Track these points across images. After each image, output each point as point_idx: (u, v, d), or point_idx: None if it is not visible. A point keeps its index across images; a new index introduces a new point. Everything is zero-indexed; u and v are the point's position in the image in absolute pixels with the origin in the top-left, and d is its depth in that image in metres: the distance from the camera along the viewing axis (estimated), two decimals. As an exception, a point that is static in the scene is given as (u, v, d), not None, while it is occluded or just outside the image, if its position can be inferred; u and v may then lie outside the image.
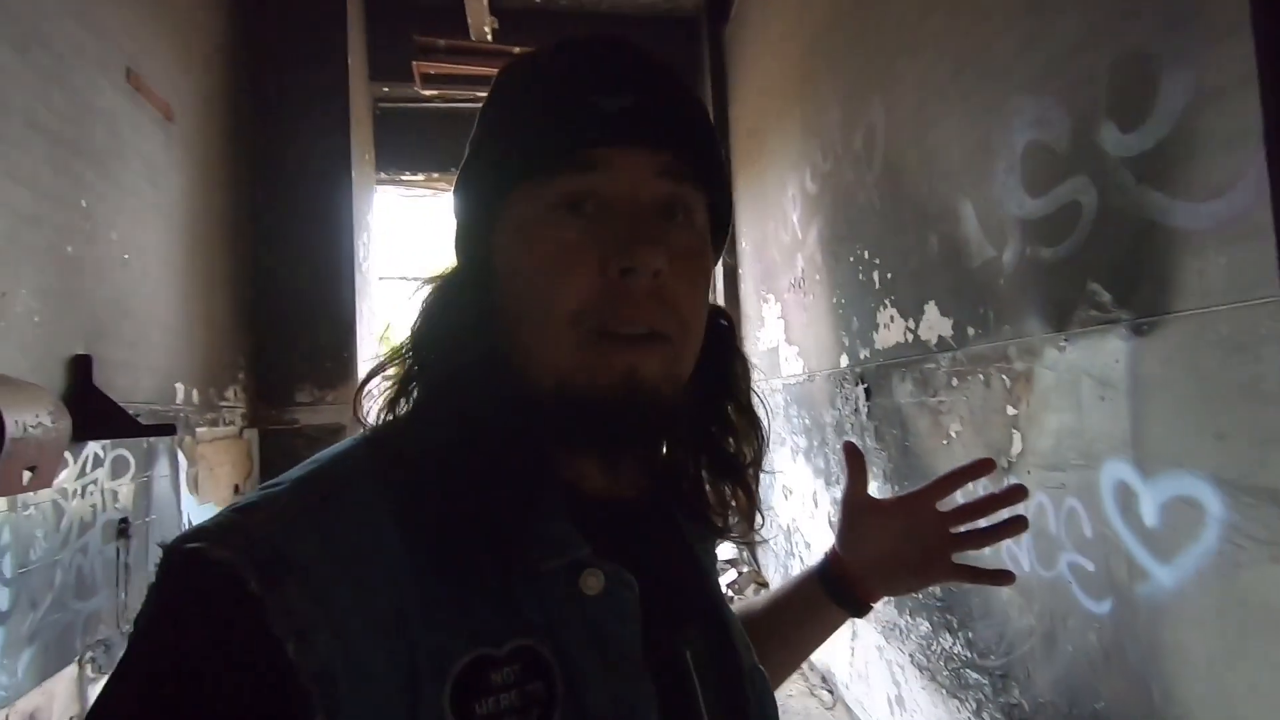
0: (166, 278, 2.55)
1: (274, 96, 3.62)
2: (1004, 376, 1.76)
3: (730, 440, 0.59)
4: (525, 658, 0.41)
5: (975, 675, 1.98)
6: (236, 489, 3.15)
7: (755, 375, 0.62)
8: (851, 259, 2.75)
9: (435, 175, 5.36)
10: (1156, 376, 1.29)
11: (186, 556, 0.37)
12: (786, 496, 3.89)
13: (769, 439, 0.61)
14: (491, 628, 0.41)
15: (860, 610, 0.72)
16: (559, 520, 0.46)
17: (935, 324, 2.11)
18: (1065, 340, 1.53)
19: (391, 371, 0.50)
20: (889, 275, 2.43)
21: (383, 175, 5.23)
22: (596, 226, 0.46)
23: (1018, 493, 0.72)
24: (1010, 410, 1.74)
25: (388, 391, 0.49)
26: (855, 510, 0.72)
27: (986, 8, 1.77)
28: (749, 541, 0.61)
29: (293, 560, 0.37)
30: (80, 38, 2.02)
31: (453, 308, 0.49)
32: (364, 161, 4.55)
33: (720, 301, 5.01)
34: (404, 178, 5.34)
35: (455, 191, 0.53)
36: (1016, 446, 1.73)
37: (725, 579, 4.53)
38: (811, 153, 3.18)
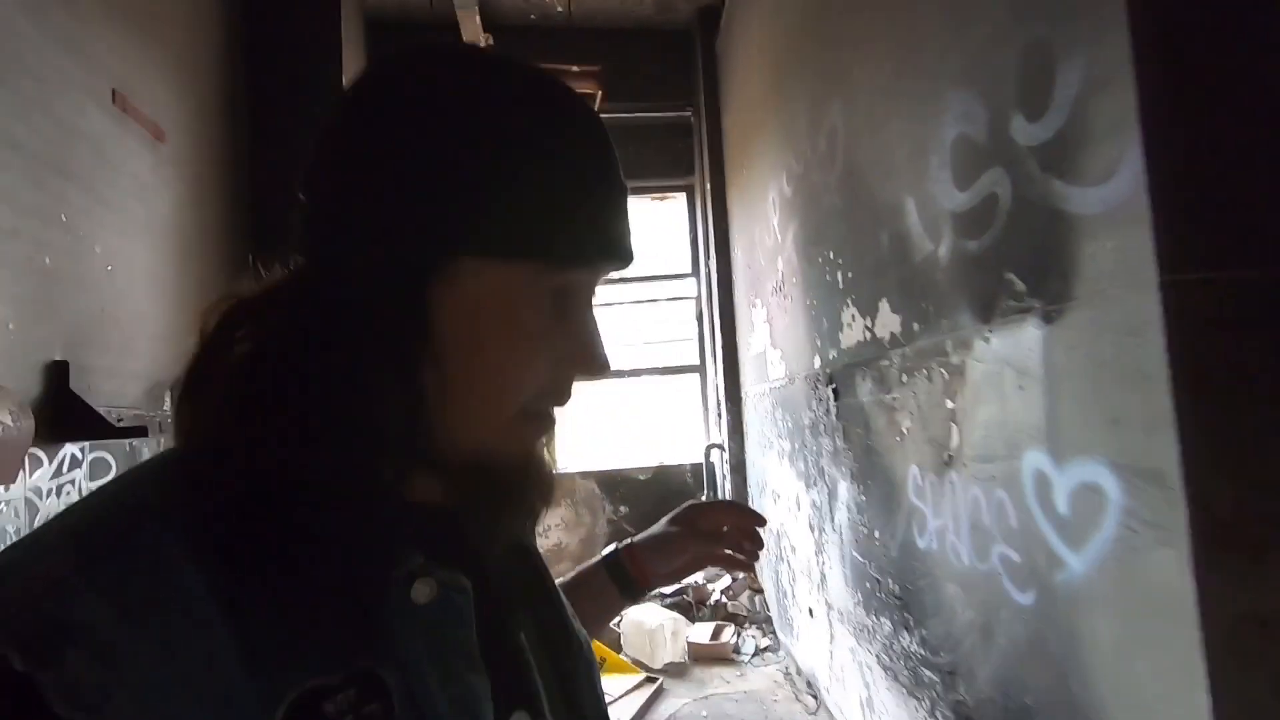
0: (155, 290, 2.67)
1: (267, 114, 3.75)
2: (943, 371, 1.77)
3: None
4: (360, 680, 0.39)
5: (929, 673, 1.96)
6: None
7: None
8: (820, 260, 2.77)
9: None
10: (1064, 364, 1.30)
11: None
12: (775, 500, 3.89)
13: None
14: (322, 655, 0.38)
15: (635, 592, 0.80)
16: (394, 535, 0.43)
17: (887, 321, 2.12)
18: (990, 331, 1.53)
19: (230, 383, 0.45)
20: (850, 275, 2.45)
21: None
22: (572, 326, 0.48)
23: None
24: (949, 404, 1.75)
25: (220, 402, 0.43)
26: (685, 521, 0.83)
27: (921, 9, 1.80)
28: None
29: (71, 623, 0.32)
30: (64, 64, 2.15)
31: (349, 342, 0.43)
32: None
33: (712, 308, 5.05)
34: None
35: (368, 184, 0.44)
36: (955, 440, 1.73)
37: (719, 585, 4.52)
38: (786, 157, 3.21)
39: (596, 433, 5.40)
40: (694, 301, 5.61)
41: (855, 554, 2.56)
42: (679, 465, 5.36)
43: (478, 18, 4.47)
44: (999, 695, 1.59)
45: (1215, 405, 1.02)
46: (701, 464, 5.18)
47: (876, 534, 2.33)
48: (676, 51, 5.26)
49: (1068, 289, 1.26)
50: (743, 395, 4.71)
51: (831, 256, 2.63)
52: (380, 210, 0.43)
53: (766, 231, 3.69)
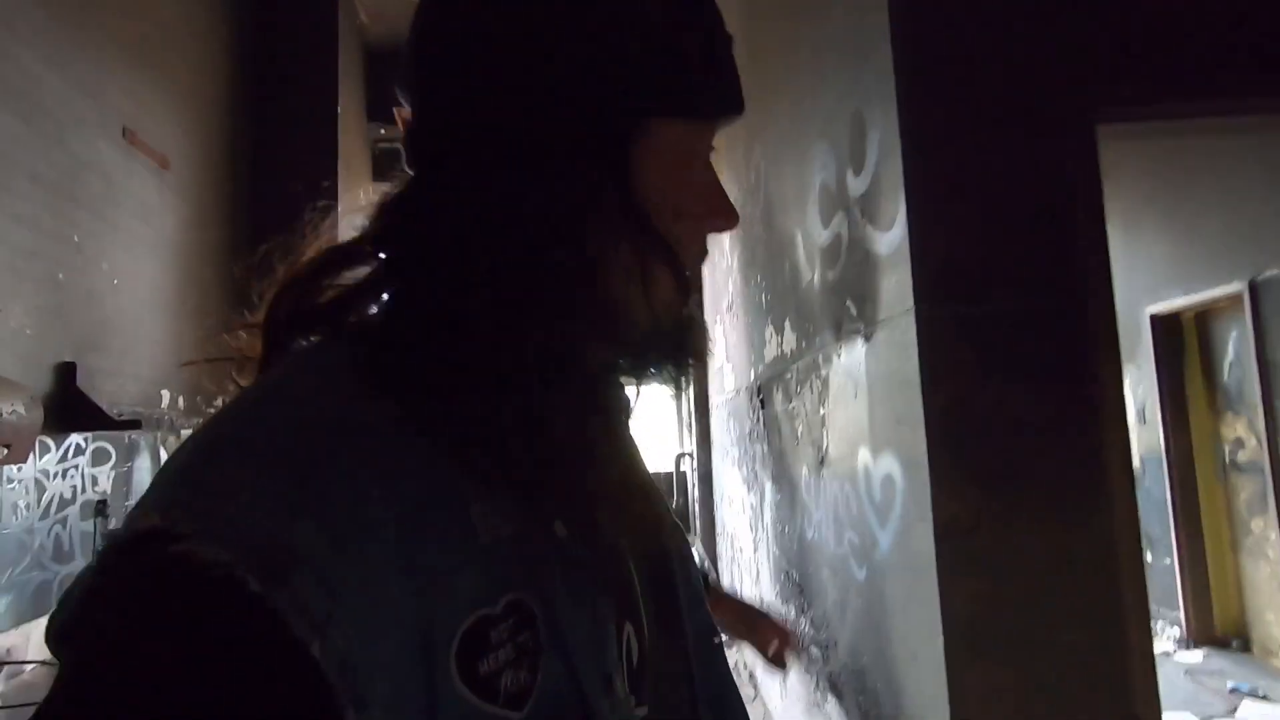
0: (157, 302, 3.01)
1: (268, 142, 4.11)
2: (818, 382, 2.04)
3: None
4: (516, 610, 0.39)
5: (816, 650, 2.22)
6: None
7: None
8: (753, 282, 3.05)
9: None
10: (874, 375, 1.57)
11: (170, 560, 0.30)
12: (729, 505, 4.15)
13: None
14: (487, 586, 0.38)
15: None
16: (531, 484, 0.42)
17: (789, 339, 2.40)
18: (840, 348, 1.81)
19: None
20: (769, 297, 2.73)
21: (381, 209, 5.73)
22: (711, 180, 0.47)
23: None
24: (822, 411, 2.02)
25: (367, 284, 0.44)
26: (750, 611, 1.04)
27: (804, 68, 2.09)
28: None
29: (294, 546, 0.32)
30: (80, 105, 2.49)
31: (581, 216, 0.42)
32: (356, 196, 5.05)
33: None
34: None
35: (543, 51, 0.42)
36: (825, 443, 2.00)
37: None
38: (731, 185, 3.51)
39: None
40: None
41: (775, 549, 2.82)
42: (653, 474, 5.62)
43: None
44: (850, 661, 1.85)
45: (950, 408, 1.29)
46: (673, 473, 5.45)
47: (786, 529, 2.60)
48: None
49: (876, 314, 1.54)
50: (710, 407, 4.99)
51: (759, 280, 2.91)
52: (564, 75, 0.41)
53: (721, 253, 3.98)
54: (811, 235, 2.03)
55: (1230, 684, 3.42)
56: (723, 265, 4.01)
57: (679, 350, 0.48)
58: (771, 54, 2.55)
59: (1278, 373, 3.35)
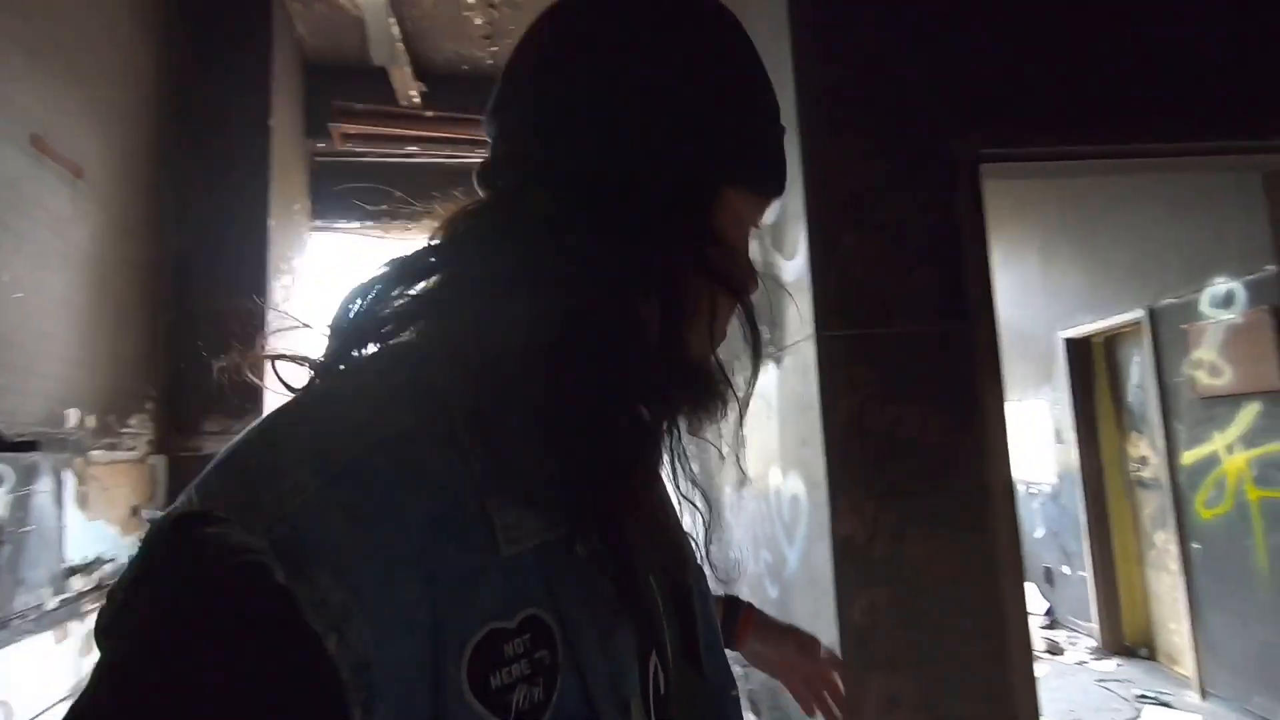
0: (66, 316, 2.87)
1: (195, 150, 4.00)
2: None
3: None
4: (533, 627, 0.40)
5: (739, 668, 2.25)
6: (135, 510, 3.41)
7: None
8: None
9: (369, 224, 5.76)
10: (783, 397, 1.63)
11: (202, 541, 0.32)
12: (667, 524, 4.17)
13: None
14: (503, 600, 0.39)
15: (727, 638, 0.80)
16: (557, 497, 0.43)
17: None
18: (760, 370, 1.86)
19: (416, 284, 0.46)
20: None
21: (319, 224, 5.63)
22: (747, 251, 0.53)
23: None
24: (741, 432, 2.06)
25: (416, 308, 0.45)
26: (810, 645, 0.84)
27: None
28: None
29: (319, 544, 0.33)
30: (-16, 112, 2.38)
31: (665, 267, 0.45)
32: (292, 211, 4.94)
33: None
34: (339, 226, 5.74)
35: (642, 108, 0.45)
36: (745, 462, 2.05)
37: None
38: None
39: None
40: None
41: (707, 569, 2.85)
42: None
43: (408, 68, 4.80)
44: (766, 678, 1.88)
45: (848, 428, 1.35)
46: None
47: (713, 549, 2.63)
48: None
49: (784, 338, 1.60)
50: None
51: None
52: (666, 135, 0.45)
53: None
54: (732, 260, 2.09)
55: (1137, 691, 3.59)
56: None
57: (707, 394, 0.51)
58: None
59: (1174, 395, 3.58)
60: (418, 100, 5.09)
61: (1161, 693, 3.54)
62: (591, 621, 0.42)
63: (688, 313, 0.46)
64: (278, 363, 0.46)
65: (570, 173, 0.45)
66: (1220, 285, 3.17)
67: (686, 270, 0.45)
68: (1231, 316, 3.11)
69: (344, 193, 5.72)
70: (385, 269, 0.46)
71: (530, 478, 0.41)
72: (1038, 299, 4.61)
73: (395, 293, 0.45)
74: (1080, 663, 4.08)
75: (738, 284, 0.49)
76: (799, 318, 1.49)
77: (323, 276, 5.85)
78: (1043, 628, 4.62)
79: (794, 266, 1.49)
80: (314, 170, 5.56)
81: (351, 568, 0.33)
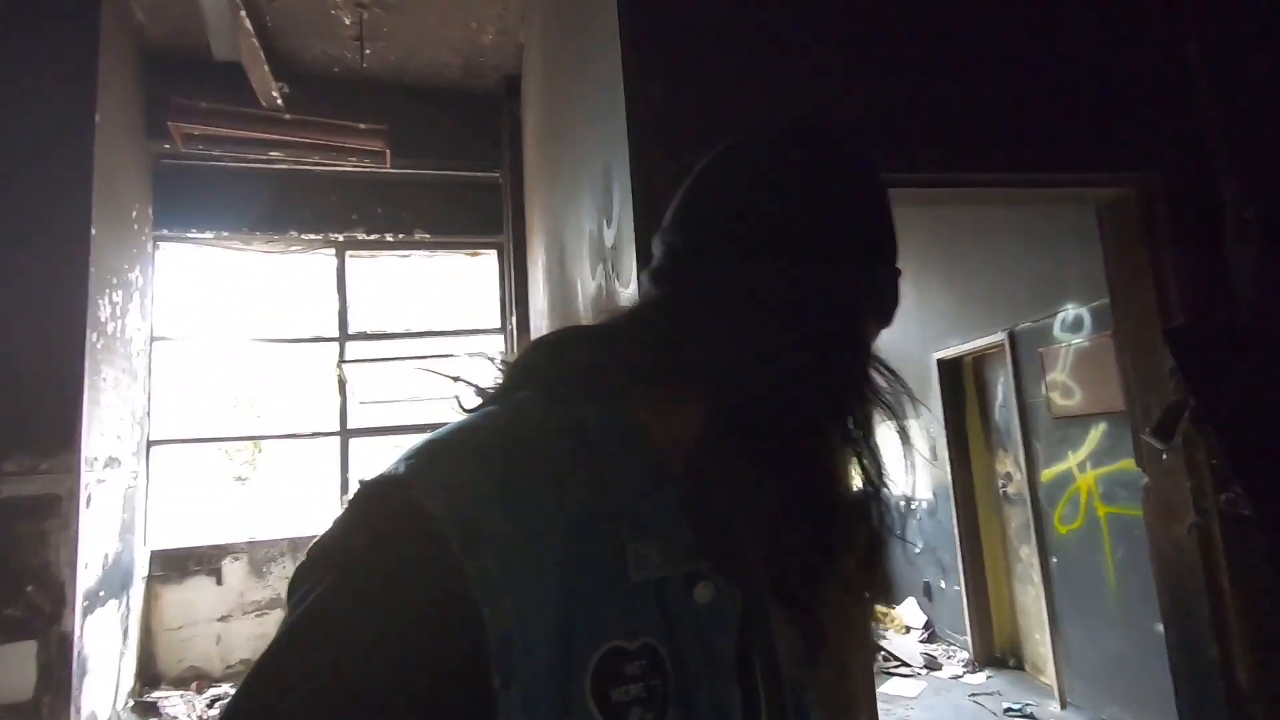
0: None
1: (7, 142, 3.47)
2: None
3: None
4: (650, 654, 0.44)
5: None
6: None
7: None
8: (554, 326, 2.94)
9: (226, 234, 5.24)
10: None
11: (403, 502, 0.41)
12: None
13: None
14: (627, 621, 0.44)
15: None
16: (687, 532, 0.49)
17: (576, 389, 2.29)
18: (604, 406, 1.71)
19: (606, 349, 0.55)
20: (564, 343, 2.62)
21: (165, 232, 5.06)
22: None
23: None
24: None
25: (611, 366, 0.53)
26: None
27: (577, 115, 2.03)
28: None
29: (488, 530, 0.40)
30: None
31: (795, 348, 0.52)
32: (126, 219, 4.40)
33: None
34: (191, 235, 5.18)
35: (847, 251, 0.56)
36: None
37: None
38: (544, 229, 3.40)
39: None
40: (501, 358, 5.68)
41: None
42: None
43: (266, 66, 4.41)
44: None
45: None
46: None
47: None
48: (486, 113, 5.44)
49: (624, 373, 1.45)
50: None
51: (556, 325, 2.80)
52: (849, 294, 0.56)
53: (539, 295, 3.86)
54: (586, 284, 1.94)
55: (1005, 703, 3.69)
56: (539, 307, 3.88)
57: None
58: (561, 103, 2.48)
59: (1033, 414, 3.74)
60: (280, 101, 4.68)
61: (1027, 704, 3.66)
62: (705, 664, 0.46)
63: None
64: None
65: (755, 289, 0.53)
66: (1070, 311, 3.33)
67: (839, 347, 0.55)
68: (1080, 341, 3.26)
69: (203, 200, 5.19)
70: (564, 333, 0.58)
71: (659, 514, 0.47)
72: (913, 321, 4.76)
73: (569, 354, 0.55)
74: (955, 677, 4.18)
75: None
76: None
77: (179, 290, 5.23)
78: (922, 641, 4.73)
79: (629, 296, 1.34)
80: (159, 174, 5.01)
81: (509, 558, 0.40)
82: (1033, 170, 1.31)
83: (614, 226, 1.48)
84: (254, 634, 4.77)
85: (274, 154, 4.89)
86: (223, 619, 4.79)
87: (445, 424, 0.49)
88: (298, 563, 0.43)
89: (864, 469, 0.56)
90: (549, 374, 0.53)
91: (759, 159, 0.58)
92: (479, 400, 0.55)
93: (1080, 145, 1.44)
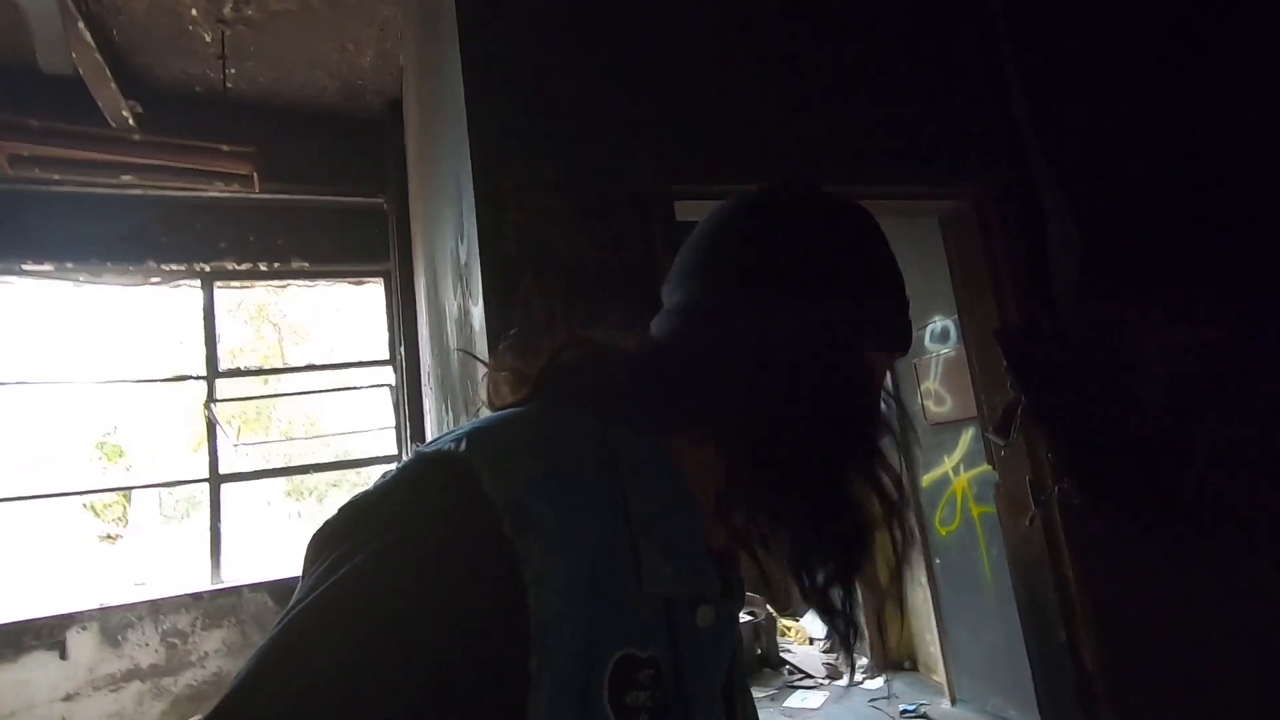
0: None
1: None
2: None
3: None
4: (656, 665, 0.46)
5: None
6: None
7: None
8: (434, 355, 2.81)
9: (70, 265, 4.74)
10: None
11: (461, 475, 0.44)
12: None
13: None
14: (640, 631, 0.46)
15: None
16: (705, 553, 0.54)
17: (449, 418, 2.17)
18: (470, 432, 1.62)
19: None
20: (440, 371, 2.50)
21: (-6, 265, 4.51)
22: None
23: None
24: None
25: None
26: None
27: (439, 130, 1.95)
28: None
29: (536, 516, 0.43)
30: None
31: (801, 379, 0.57)
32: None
33: (404, 397, 4.90)
34: (26, 268, 4.65)
35: (851, 292, 0.62)
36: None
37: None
38: (422, 256, 3.27)
39: (268, 538, 4.86)
40: (390, 390, 5.42)
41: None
42: (371, 565, 4.98)
43: (114, 84, 4.06)
44: None
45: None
46: (393, 562, 4.86)
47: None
48: (369, 138, 5.24)
49: (479, 392, 1.38)
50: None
51: (436, 351, 2.68)
52: (817, 314, 0.60)
53: (422, 322, 3.71)
54: (450, 306, 1.86)
55: (902, 706, 3.80)
56: (424, 335, 3.73)
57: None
58: (430, 123, 2.41)
59: (913, 421, 3.93)
60: (131, 121, 4.31)
61: (922, 704, 3.77)
62: (703, 688, 0.50)
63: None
64: None
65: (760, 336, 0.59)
66: (938, 323, 3.53)
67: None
68: (947, 350, 3.47)
69: (39, 228, 4.67)
70: (601, 339, 0.62)
71: (679, 534, 0.51)
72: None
73: (597, 359, 0.60)
74: (856, 683, 4.27)
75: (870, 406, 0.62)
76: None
77: (13, 329, 4.64)
78: (824, 651, 4.81)
79: (479, 313, 1.28)
80: (-13, 200, 4.47)
81: (553, 545, 0.43)
82: (873, 183, 1.36)
83: (465, 241, 1.42)
84: (108, 712, 4.23)
85: (126, 178, 4.50)
86: (67, 698, 4.22)
87: (487, 417, 0.53)
88: (327, 520, 0.45)
89: (882, 491, 0.60)
90: (590, 387, 0.57)
91: (765, 214, 0.63)
92: (516, 388, 0.59)
93: (913, 159, 1.51)
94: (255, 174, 4.04)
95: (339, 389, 5.32)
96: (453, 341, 1.91)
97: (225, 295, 5.26)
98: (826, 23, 1.45)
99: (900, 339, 0.65)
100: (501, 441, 0.47)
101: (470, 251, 1.32)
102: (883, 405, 0.63)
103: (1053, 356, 1.32)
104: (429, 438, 4.09)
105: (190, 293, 5.12)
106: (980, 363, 1.64)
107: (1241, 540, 1.39)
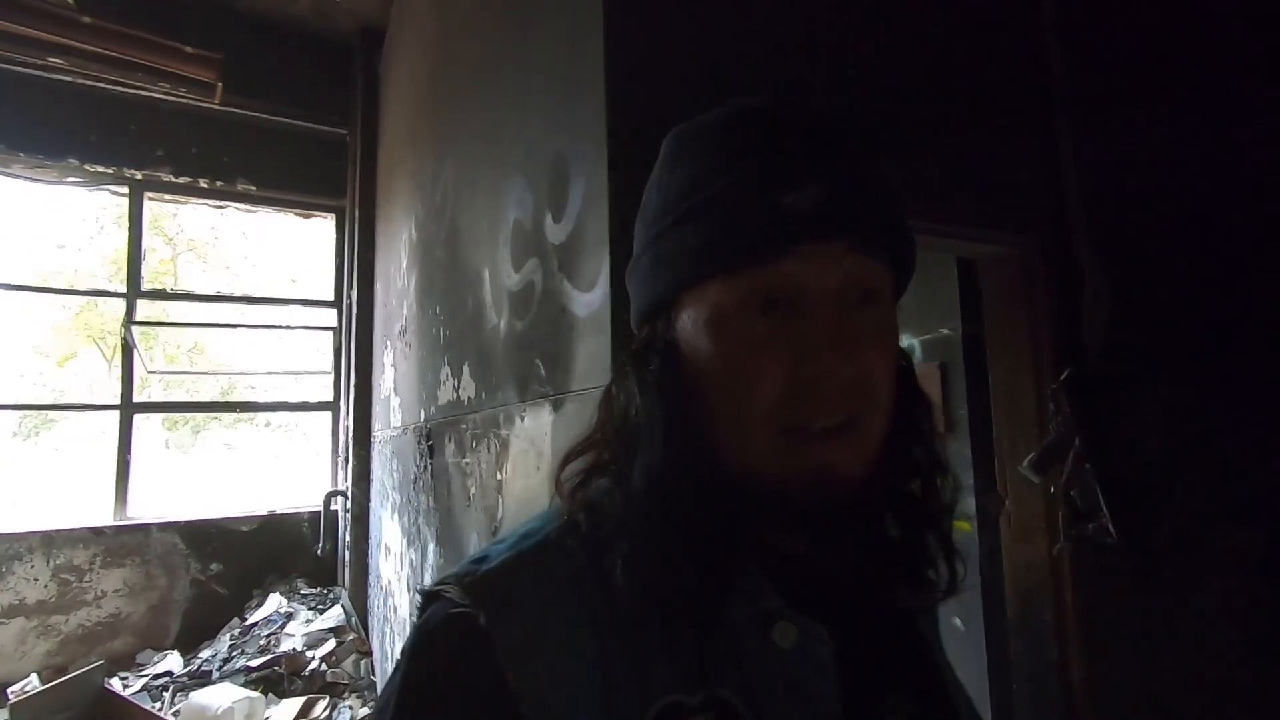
0: None
1: None
2: (497, 442, 1.81)
3: (921, 487, 0.56)
4: (719, 708, 0.43)
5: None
6: None
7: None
8: (431, 312, 2.71)
9: (-25, 150, 4.14)
10: (561, 448, 1.39)
11: (436, 597, 0.47)
12: (387, 555, 3.65)
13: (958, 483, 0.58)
14: (685, 675, 0.43)
15: None
16: (752, 574, 0.48)
17: (467, 385, 2.12)
18: (525, 410, 1.60)
19: (587, 454, 0.54)
20: (448, 333, 2.43)
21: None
22: (788, 326, 0.46)
23: None
24: (499, 475, 1.78)
25: (578, 475, 0.53)
26: None
27: (504, 91, 1.88)
28: (956, 593, 0.57)
29: (515, 602, 0.45)
30: None
31: (642, 393, 0.50)
32: None
33: (351, 343, 4.68)
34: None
35: (630, 270, 0.54)
36: (500, 512, 1.76)
37: (322, 650, 4.06)
38: (416, 202, 3.12)
39: (185, 477, 4.53)
40: (334, 334, 5.14)
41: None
42: (295, 513, 4.77)
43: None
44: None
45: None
46: (321, 512, 4.68)
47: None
48: (337, 64, 4.88)
49: (569, 380, 1.37)
50: (371, 440, 4.41)
51: (437, 311, 2.59)
52: (633, 275, 0.54)
53: (399, 272, 3.54)
54: (501, 276, 1.80)
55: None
56: (399, 285, 3.56)
57: (777, 508, 0.51)
58: (467, 62, 2.29)
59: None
60: (73, 1, 3.81)
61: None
62: (798, 717, 0.45)
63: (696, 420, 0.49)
64: None
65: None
66: (903, 340, 3.75)
67: (676, 389, 0.49)
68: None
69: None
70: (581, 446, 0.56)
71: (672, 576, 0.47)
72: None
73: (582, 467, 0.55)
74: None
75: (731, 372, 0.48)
76: (590, 362, 1.27)
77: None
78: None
79: (589, 301, 1.27)
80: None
81: (536, 620, 0.44)
82: (929, 218, 1.45)
83: (567, 223, 1.39)
84: (-18, 649, 3.86)
85: (54, 61, 3.99)
86: (-63, 633, 3.81)
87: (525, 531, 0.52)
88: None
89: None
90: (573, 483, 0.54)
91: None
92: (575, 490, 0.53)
93: (970, 203, 1.60)
94: (220, 83, 3.68)
95: (282, 326, 4.99)
96: (495, 313, 1.86)
97: (155, 208, 4.77)
98: (904, 77, 1.52)
99: (728, 245, 0.46)
100: (474, 555, 0.50)
101: (584, 236, 1.30)
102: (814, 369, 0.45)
103: (1102, 406, 1.47)
104: (384, 393, 3.93)
105: (114, 200, 4.62)
106: (1005, 401, 1.77)
107: (1215, 583, 1.62)
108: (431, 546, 2.57)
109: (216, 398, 9.63)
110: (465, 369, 2.15)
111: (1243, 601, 1.63)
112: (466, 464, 2.09)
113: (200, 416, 11.73)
